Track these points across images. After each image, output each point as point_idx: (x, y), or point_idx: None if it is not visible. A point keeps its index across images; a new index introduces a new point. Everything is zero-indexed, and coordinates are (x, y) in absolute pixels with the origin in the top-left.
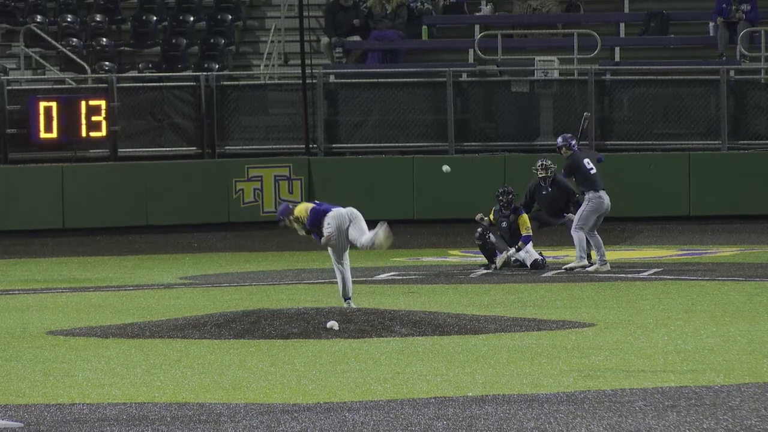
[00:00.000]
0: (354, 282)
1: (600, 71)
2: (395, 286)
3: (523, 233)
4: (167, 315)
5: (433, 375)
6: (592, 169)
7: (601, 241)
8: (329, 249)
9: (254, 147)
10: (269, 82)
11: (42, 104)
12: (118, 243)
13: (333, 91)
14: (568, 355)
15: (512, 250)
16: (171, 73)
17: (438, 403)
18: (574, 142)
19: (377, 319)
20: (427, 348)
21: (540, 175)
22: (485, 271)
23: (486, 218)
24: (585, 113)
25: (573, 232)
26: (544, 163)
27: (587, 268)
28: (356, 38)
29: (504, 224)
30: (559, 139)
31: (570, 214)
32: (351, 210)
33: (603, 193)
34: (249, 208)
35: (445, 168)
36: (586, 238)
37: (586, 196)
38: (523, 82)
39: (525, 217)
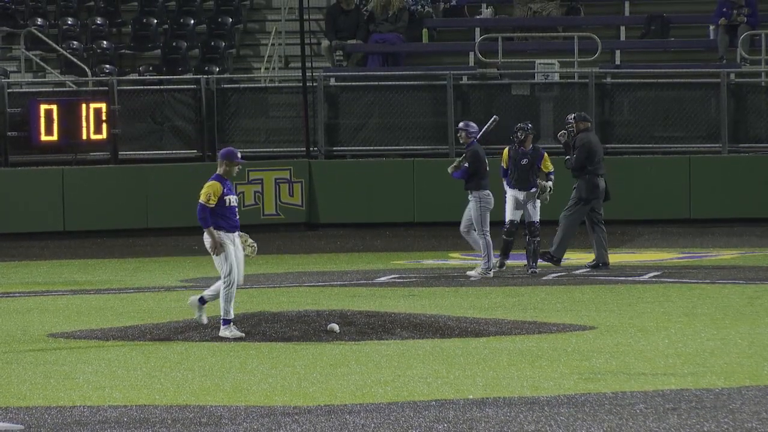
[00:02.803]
0: (355, 285)
1: (600, 74)
2: (396, 289)
3: (549, 170)
4: (168, 317)
5: (434, 378)
6: (487, 166)
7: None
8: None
9: (255, 150)
10: (270, 85)
11: (42, 107)
12: (118, 245)
13: (333, 94)
14: (568, 357)
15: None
16: (171, 76)
17: (438, 405)
18: (474, 132)
19: (378, 321)
20: (428, 351)
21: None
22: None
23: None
24: (495, 116)
25: (479, 238)
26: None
27: (470, 273)
28: (357, 41)
29: (525, 161)
30: (462, 124)
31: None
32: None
33: (489, 192)
34: (249, 211)
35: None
36: (477, 241)
37: (474, 195)
38: (523, 85)
39: (547, 156)
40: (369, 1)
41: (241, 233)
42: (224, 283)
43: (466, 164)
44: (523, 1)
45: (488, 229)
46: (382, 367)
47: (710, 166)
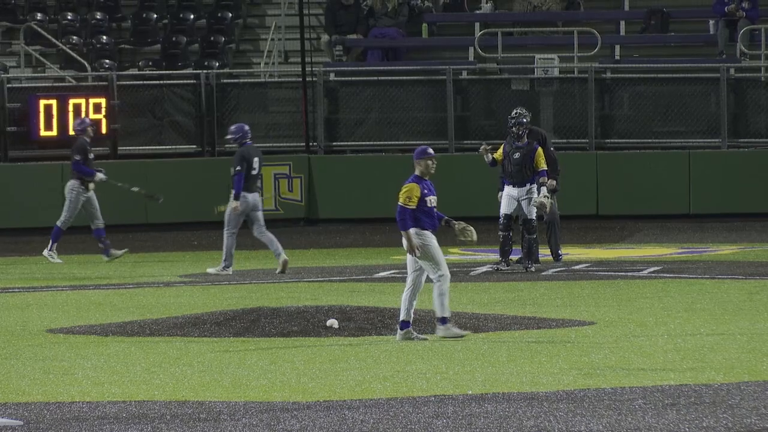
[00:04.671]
0: (354, 280)
1: (600, 69)
2: (395, 284)
3: (541, 167)
4: (167, 313)
5: (433, 373)
6: (255, 170)
7: (273, 239)
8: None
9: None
10: (269, 80)
11: (42, 102)
12: (117, 241)
13: (333, 89)
14: (567, 353)
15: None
16: (171, 71)
17: (438, 401)
18: (243, 138)
19: (377, 317)
20: (427, 346)
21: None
22: (491, 268)
23: (490, 154)
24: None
25: (226, 237)
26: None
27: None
28: (357, 36)
29: (517, 156)
30: (234, 129)
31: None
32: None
33: (249, 195)
34: None
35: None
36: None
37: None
38: (523, 80)
39: (541, 151)
40: None
41: (455, 222)
42: (436, 281)
43: (238, 167)
44: None
45: (235, 229)
46: (381, 363)
47: (710, 161)
